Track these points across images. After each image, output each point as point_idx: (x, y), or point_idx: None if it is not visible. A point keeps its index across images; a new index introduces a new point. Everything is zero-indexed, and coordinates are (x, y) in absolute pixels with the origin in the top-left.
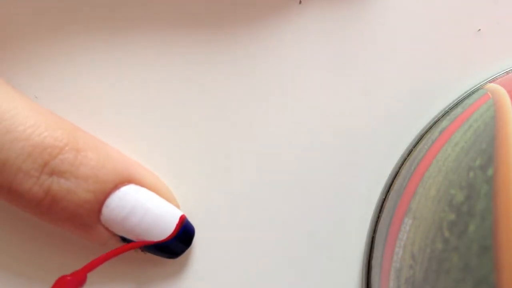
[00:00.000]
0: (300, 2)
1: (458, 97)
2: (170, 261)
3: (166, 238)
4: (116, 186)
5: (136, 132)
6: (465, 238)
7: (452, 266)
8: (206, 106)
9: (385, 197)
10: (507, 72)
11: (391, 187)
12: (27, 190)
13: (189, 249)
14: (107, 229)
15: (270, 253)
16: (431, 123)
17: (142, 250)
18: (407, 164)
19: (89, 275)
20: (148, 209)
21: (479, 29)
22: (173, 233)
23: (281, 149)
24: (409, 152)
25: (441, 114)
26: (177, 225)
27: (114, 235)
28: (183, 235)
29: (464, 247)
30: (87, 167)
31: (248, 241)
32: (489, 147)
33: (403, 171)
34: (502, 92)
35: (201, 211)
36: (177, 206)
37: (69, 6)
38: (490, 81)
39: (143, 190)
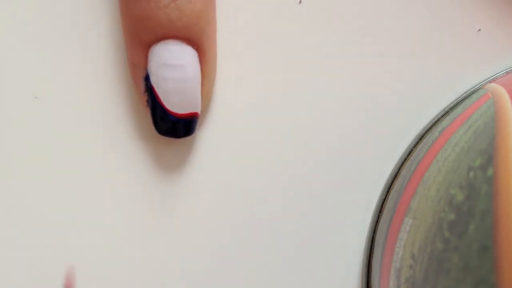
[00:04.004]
0: (300, 2)
1: (458, 97)
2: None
3: (172, 111)
4: (188, 39)
5: (139, 130)
6: (465, 238)
7: (452, 266)
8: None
9: (385, 197)
10: (507, 72)
11: (391, 187)
12: None
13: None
14: (146, 57)
15: (270, 253)
16: (431, 123)
17: (147, 102)
18: (407, 164)
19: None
20: (187, 80)
21: (479, 29)
22: (179, 114)
23: (280, 149)
24: (409, 152)
25: (441, 114)
26: (187, 113)
27: (145, 67)
28: (184, 125)
29: (464, 247)
30: (193, 5)
31: (247, 241)
32: (489, 147)
33: (403, 171)
34: (502, 92)
35: (201, 209)
36: (205, 106)
37: (68, 7)
38: (490, 81)
39: (197, 63)
